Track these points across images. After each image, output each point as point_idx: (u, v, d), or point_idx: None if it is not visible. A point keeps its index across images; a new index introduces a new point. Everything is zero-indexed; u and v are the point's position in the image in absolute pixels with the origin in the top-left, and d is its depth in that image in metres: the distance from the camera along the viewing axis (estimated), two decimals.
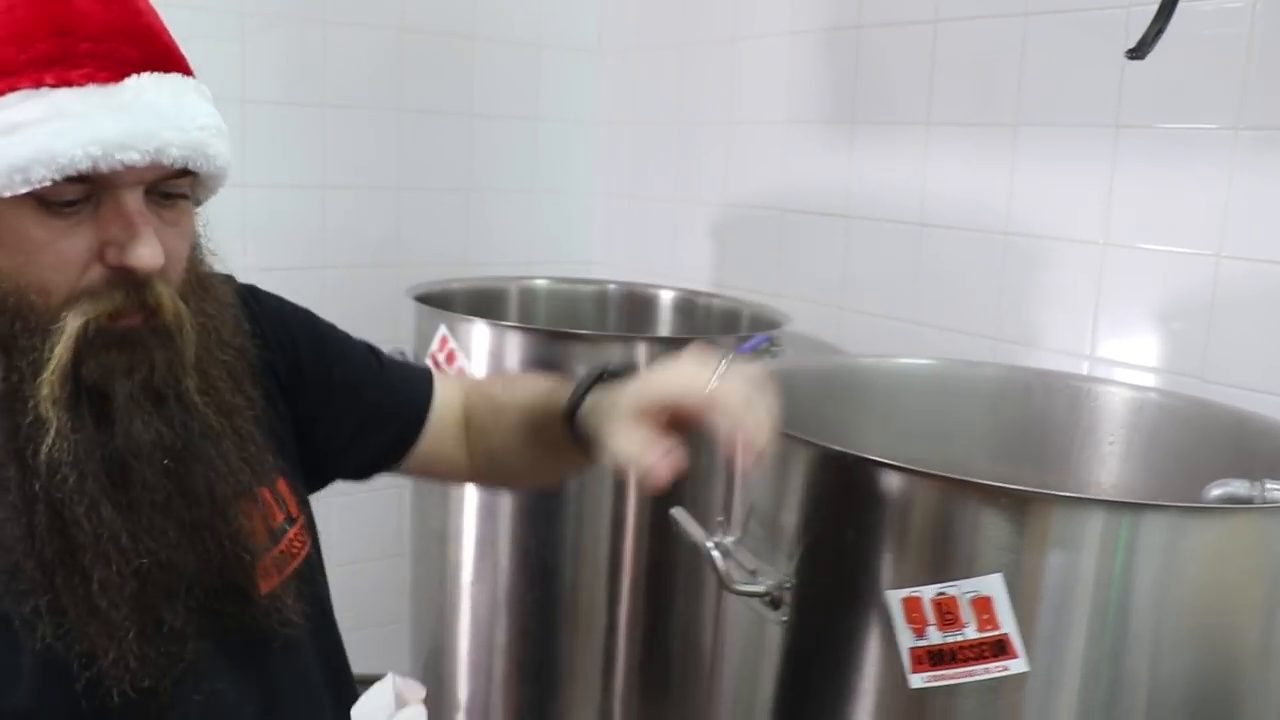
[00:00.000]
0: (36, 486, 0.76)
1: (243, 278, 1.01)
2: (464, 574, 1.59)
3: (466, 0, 2.09)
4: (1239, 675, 0.88)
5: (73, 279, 0.76)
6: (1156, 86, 1.29)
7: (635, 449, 0.82)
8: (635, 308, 1.96)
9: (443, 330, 1.49)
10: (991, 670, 0.84)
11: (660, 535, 1.52)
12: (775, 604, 0.97)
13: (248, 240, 1.88)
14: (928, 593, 0.85)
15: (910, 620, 0.87)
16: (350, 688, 1.02)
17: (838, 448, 0.91)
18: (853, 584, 0.91)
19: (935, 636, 0.86)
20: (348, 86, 1.98)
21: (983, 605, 0.84)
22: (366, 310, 1.77)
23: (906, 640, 0.87)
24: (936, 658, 0.86)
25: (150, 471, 0.79)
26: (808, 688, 0.98)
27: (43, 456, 0.76)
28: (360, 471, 1.10)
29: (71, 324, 0.76)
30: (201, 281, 0.86)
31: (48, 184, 0.72)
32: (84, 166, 0.72)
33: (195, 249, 0.87)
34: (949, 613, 0.85)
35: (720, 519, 1.09)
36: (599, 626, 1.55)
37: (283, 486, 0.95)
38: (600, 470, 1.46)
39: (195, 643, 0.82)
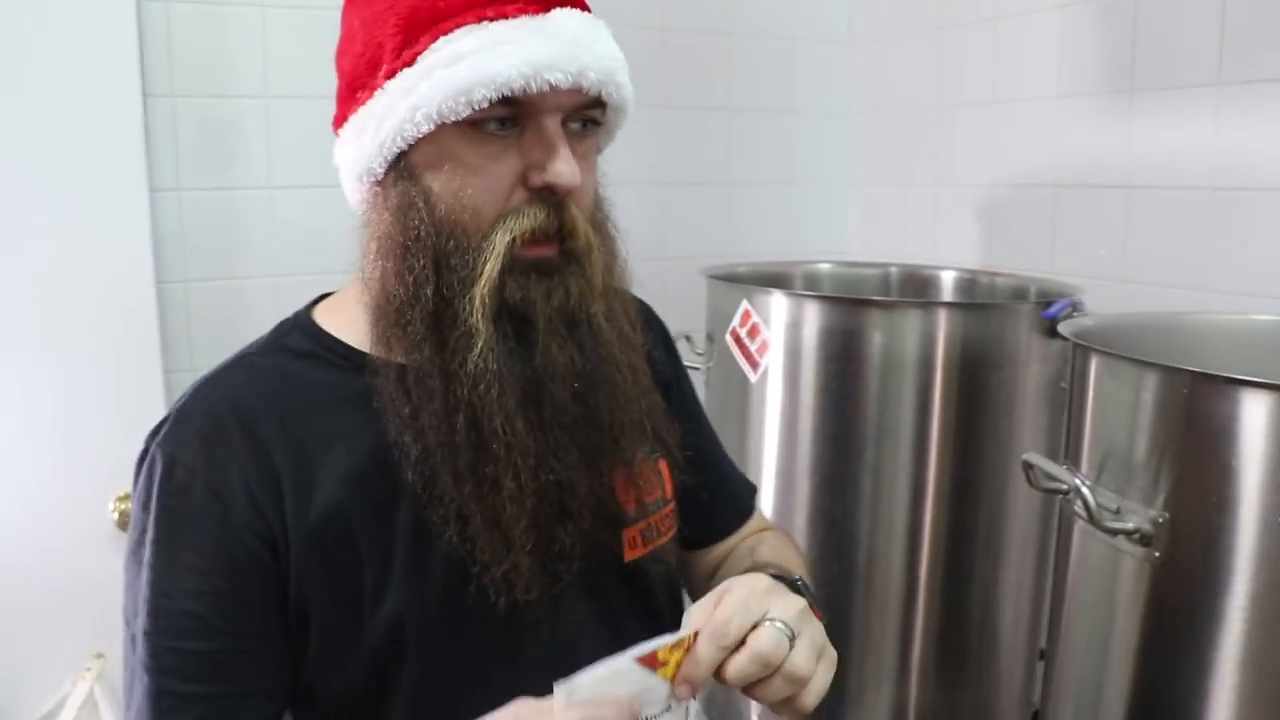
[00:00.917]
0: (461, 392, 0.81)
1: None
2: None
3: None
4: None
5: (500, 200, 0.83)
6: None
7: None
8: (918, 287, 1.97)
9: (745, 305, 1.53)
10: None
11: (960, 503, 1.52)
12: (1146, 541, 0.97)
13: None
14: None
15: None
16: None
17: (1226, 374, 0.90)
18: (1235, 514, 0.90)
19: None
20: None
21: None
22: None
23: None
24: None
25: (562, 393, 0.84)
26: (1178, 629, 0.97)
27: (470, 366, 0.81)
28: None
29: (500, 241, 0.82)
30: (600, 227, 0.90)
31: (485, 105, 0.80)
32: (517, 86, 0.79)
33: (598, 196, 0.92)
34: None
35: (1067, 464, 1.09)
36: (896, 597, 1.55)
37: (663, 466, 0.97)
38: (898, 438, 1.48)
39: (578, 564, 0.85)
